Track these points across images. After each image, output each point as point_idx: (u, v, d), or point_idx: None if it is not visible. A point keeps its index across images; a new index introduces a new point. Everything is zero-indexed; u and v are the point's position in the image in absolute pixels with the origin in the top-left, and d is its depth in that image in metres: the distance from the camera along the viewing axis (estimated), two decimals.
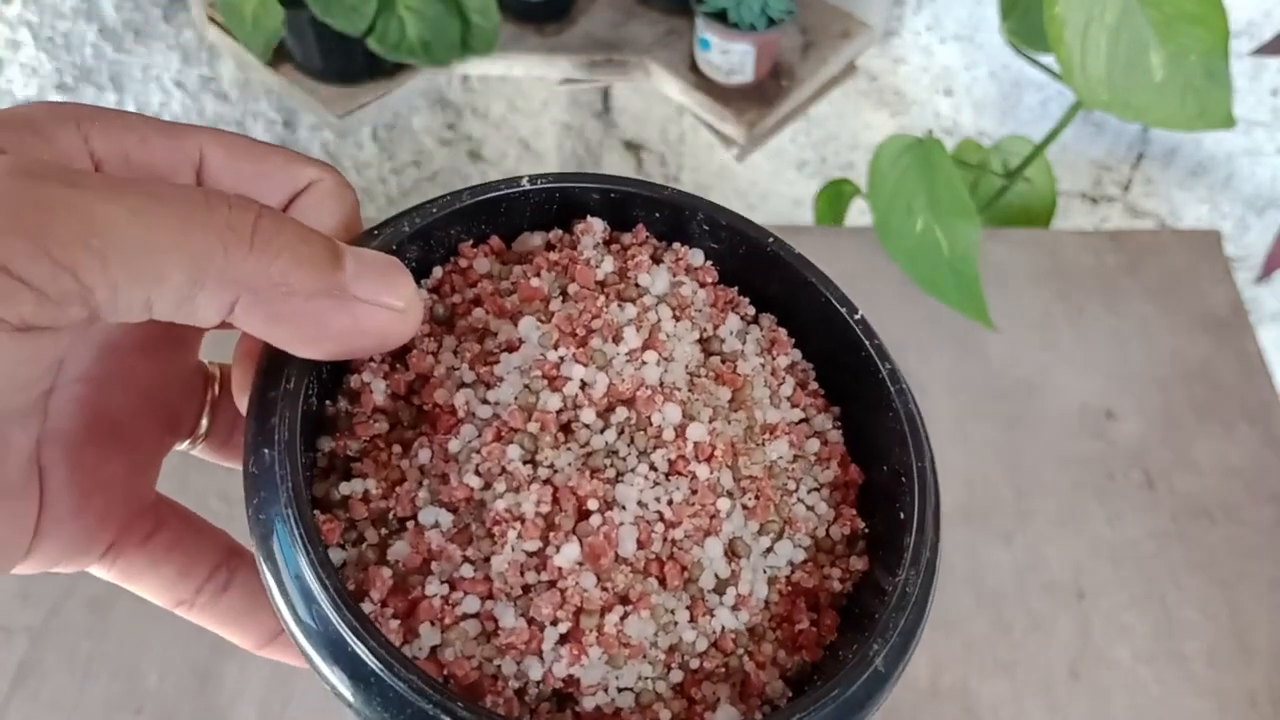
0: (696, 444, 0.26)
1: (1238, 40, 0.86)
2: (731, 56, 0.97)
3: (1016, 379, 0.71)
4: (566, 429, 0.26)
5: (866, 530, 0.28)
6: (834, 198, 0.92)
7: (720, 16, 0.95)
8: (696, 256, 0.30)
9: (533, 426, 0.25)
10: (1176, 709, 0.58)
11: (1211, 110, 0.63)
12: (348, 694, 0.23)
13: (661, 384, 0.26)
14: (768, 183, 1.20)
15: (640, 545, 0.25)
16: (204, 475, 0.35)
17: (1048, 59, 0.74)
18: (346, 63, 1.02)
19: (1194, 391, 0.70)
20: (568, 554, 0.24)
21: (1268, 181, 0.96)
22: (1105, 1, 0.62)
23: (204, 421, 0.30)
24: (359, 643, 0.22)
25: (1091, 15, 0.62)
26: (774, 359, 0.29)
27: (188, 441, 0.30)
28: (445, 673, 0.24)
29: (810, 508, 0.28)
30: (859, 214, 0.91)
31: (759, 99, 1.00)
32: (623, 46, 1.03)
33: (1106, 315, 0.74)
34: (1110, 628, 0.60)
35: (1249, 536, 0.64)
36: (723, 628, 0.25)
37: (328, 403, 0.27)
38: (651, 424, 0.26)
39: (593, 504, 0.25)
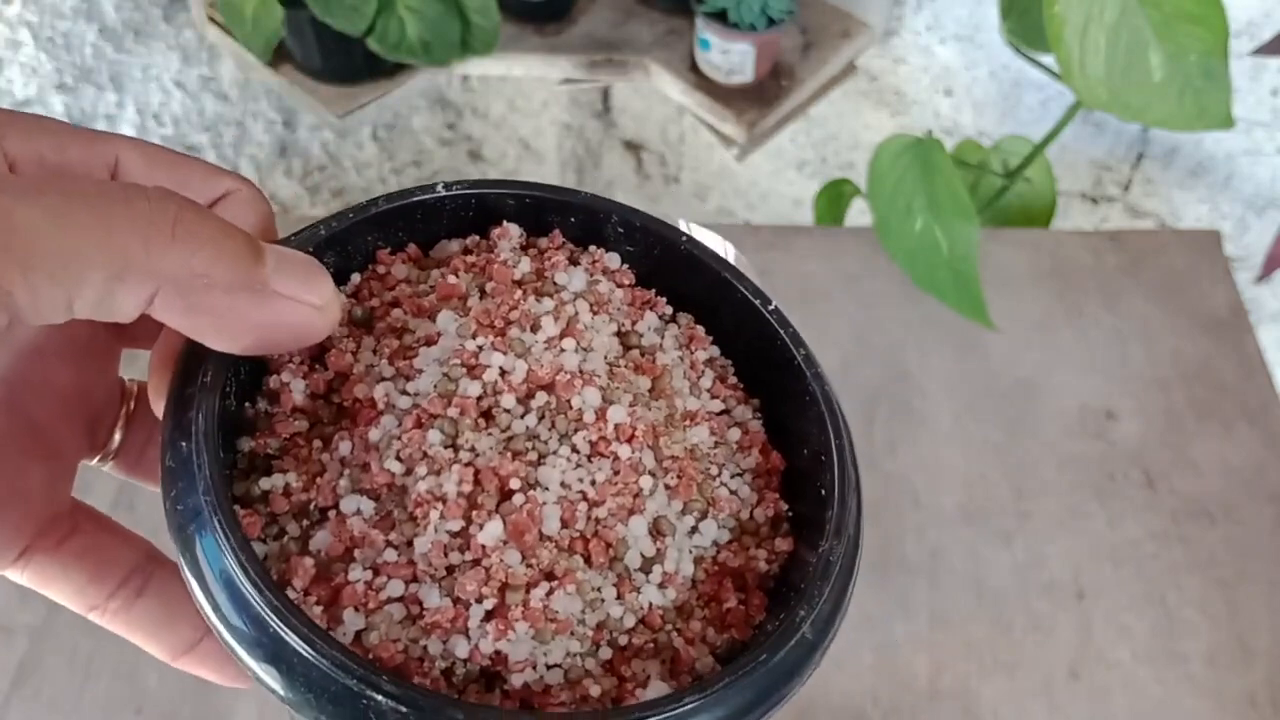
0: (617, 426, 0.26)
1: (1238, 40, 0.86)
2: (731, 56, 0.97)
3: (1016, 379, 0.71)
4: (487, 415, 0.26)
5: (790, 513, 0.29)
6: (834, 198, 0.92)
7: (720, 16, 0.95)
8: (613, 259, 0.31)
9: (452, 411, 0.26)
10: (1176, 709, 0.58)
11: (1211, 110, 0.63)
12: (270, 679, 0.23)
13: (581, 370, 0.27)
14: (768, 183, 1.20)
15: (564, 524, 0.25)
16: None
17: (1048, 59, 0.74)
18: (346, 63, 1.02)
19: (1194, 391, 0.70)
20: (491, 532, 0.24)
21: (1268, 181, 0.96)
22: (1104, 1, 0.62)
23: (117, 435, 0.30)
24: (280, 623, 0.22)
25: (1091, 15, 0.62)
26: (692, 353, 0.30)
27: (99, 457, 0.30)
28: (370, 657, 0.24)
29: (733, 491, 0.28)
30: (859, 214, 0.91)
31: (759, 99, 1.00)
32: (623, 46, 1.03)
33: (1106, 315, 0.74)
34: (1110, 628, 0.61)
35: (1249, 536, 0.64)
36: (650, 604, 0.26)
37: (246, 405, 0.27)
38: (572, 407, 0.26)
39: (515, 483, 0.25)
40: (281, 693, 0.23)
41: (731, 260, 0.44)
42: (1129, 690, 0.58)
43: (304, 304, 0.24)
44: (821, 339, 0.70)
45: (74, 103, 1.12)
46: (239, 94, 1.17)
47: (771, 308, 0.29)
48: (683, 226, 0.44)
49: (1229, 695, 0.58)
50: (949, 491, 0.65)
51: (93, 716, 0.56)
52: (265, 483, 0.26)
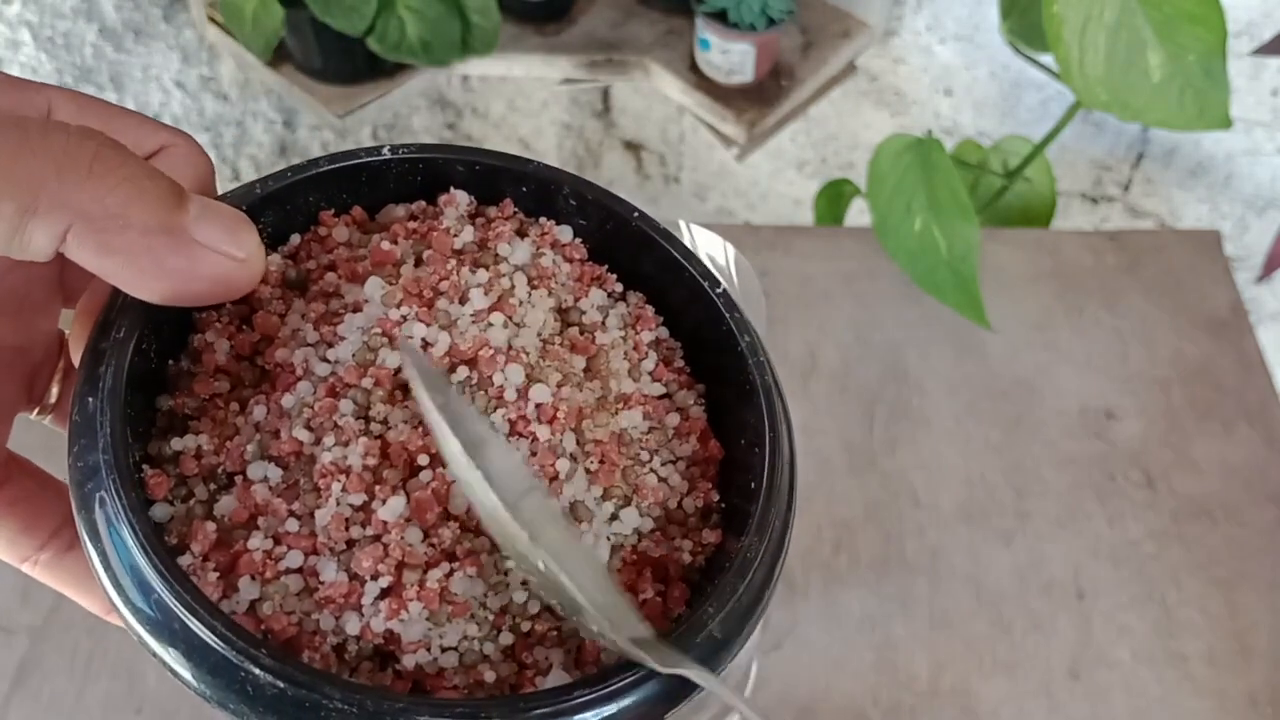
0: (539, 405, 0.26)
1: (1238, 40, 0.86)
2: (731, 56, 0.97)
3: (1016, 379, 0.71)
4: (405, 388, 0.25)
5: (723, 504, 0.28)
6: (834, 198, 0.92)
7: (720, 16, 0.95)
8: (565, 233, 0.30)
9: (367, 382, 0.25)
10: (1176, 709, 0.58)
11: (1210, 110, 0.63)
12: (153, 644, 0.22)
13: (510, 347, 0.26)
14: (768, 183, 1.20)
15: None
16: None
17: (1047, 59, 0.74)
18: (346, 63, 1.02)
19: (1194, 391, 0.70)
20: (393, 507, 0.24)
21: (1268, 181, 0.96)
22: (1104, 1, 0.62)
23: (54, 389, 0.30)
24: (164, 588, 0.22)
25: (1090, 15, 0.62)
26: (637, 334, 0.29)
27: (37, 410, 0.30)
28: (262, 627, 0.23)
29: (663, 479, 0.27)
30: (859, 214, 0.91)
31: (759, 99, 1.00)
32: (623, 46, 1.03)
33: (1106, 315, 0.74)
34: (1110, 628, 0.61)
35: (1249, 536, 0.64)
36: None
37: (170, 361, 0.26)
38: (493, 384, 0.26)
39: (423, 459, 0.24)
40: (163, 657, 0.22)
41: (731, 260, 0.44)
42: (1129, 690, 0.58)
43: (225, 255, 0.24)
44: (821, 339, 0.70)
45: None
46: (239, 94, 1.17)
47: (720, 290, 0.29)
48: (682, 227, 0.44)
49: (1229, 695, 0.58)
50: (949, 491, 0.65)
51: (93, 716, 0.56)
52: (177, 443, 0.25)
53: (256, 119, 1.19)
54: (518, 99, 1.21)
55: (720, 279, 0.29)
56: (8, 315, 0.28)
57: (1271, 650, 0.60)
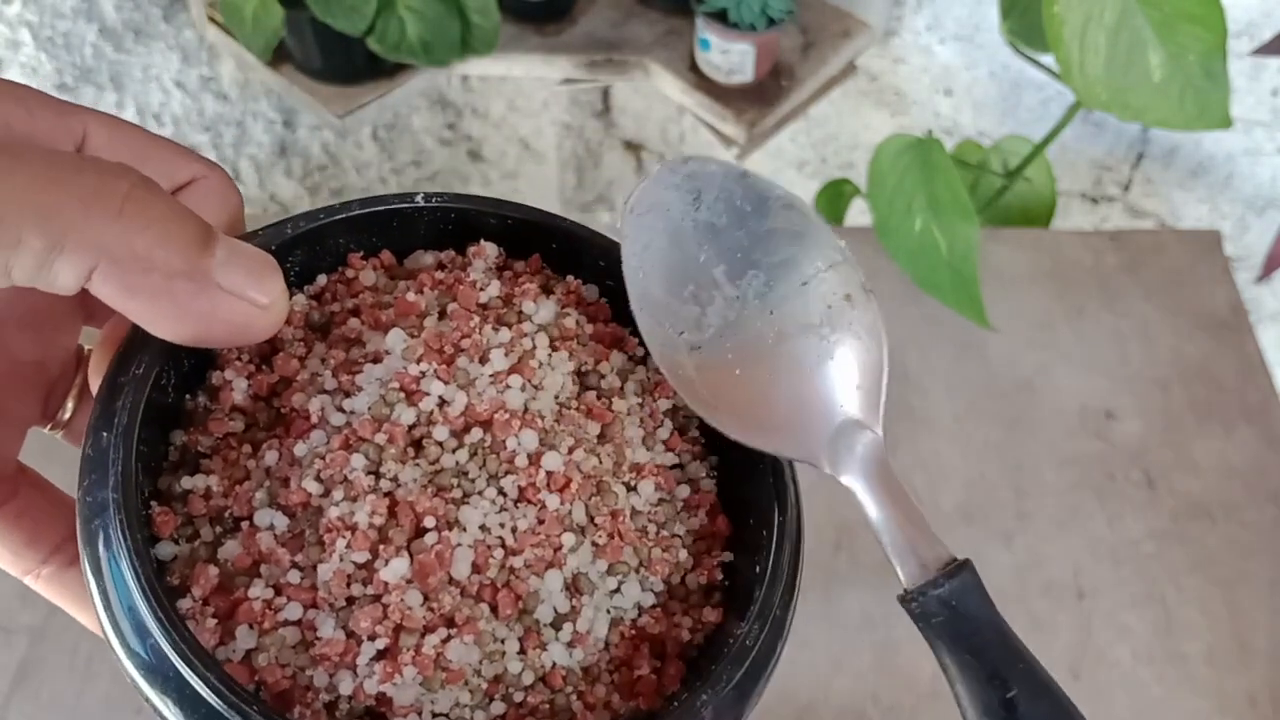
0: (550, 473, 0.25)
1: (1238, 40, 0.86)
2: (731, 56, 0.97)
3: (1016, 379, 0.71)
4: (418, 445, 0.25)
5: (727, 583, 0.27)
6: (834, 198, 0.92)
7: (720, 16, 0.95)
8: (591, 291, 0.29)
9: (380, 438, 0.25)
10: (1176, 709, 0.58)
11: (1210, 110, 0.63)
12: (145, 685, 0.22)
13: (527, 410, 0.26)
14: None
15: (476, 569, 0.24)
16: None
17: (1047, 59, 0.74)
18: (346, 63, 1.02)
19: (1194, 391, 0.70)
20: (395, 569, 0.24)
21: (1268, 181, 0.96)
22: (1104, 1, 0.62)
23: (69, 404, 0.30)
24: (160, 632, 0.22)
25: (1090, 15, 0.62)
26: (655, 401, 0.28)
27: (50, 425, 0.30)
28: (257, 679, 0.23)
29: (669, 552, 0.27)
30: (859, 214, 0.91)
31: (759, 99, 1.00)
32: (623, 46, 1.03)
33: (1106, 315, 0.74)
34: (1110, 628, 0.61)
35: (1249, 536, 0.64)
36: (554, 664, 0.25)
37: (188, 397, 0.26)
38: (506, 448, 0.25)
39: (430, 521, 0.24)
40: (154, 704, 0.22)
41: None
42: (1129, 690, 0.58)
43: (248, 301, 0.24)
44: None
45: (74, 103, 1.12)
46: (239, 94, 1.17)
47: None
48: None
49: (1229, 695, 0.58)
50: (949, 491, 0.65)
51: (93, 716, 0.56)
52: (187, 482, 0.25)
53: (256, 119, 1.19)
54: (518, 99, 1.21)
55: None
56: (29, 331, 0.28)
57: (1271, 650, 0.60)
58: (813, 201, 0.95)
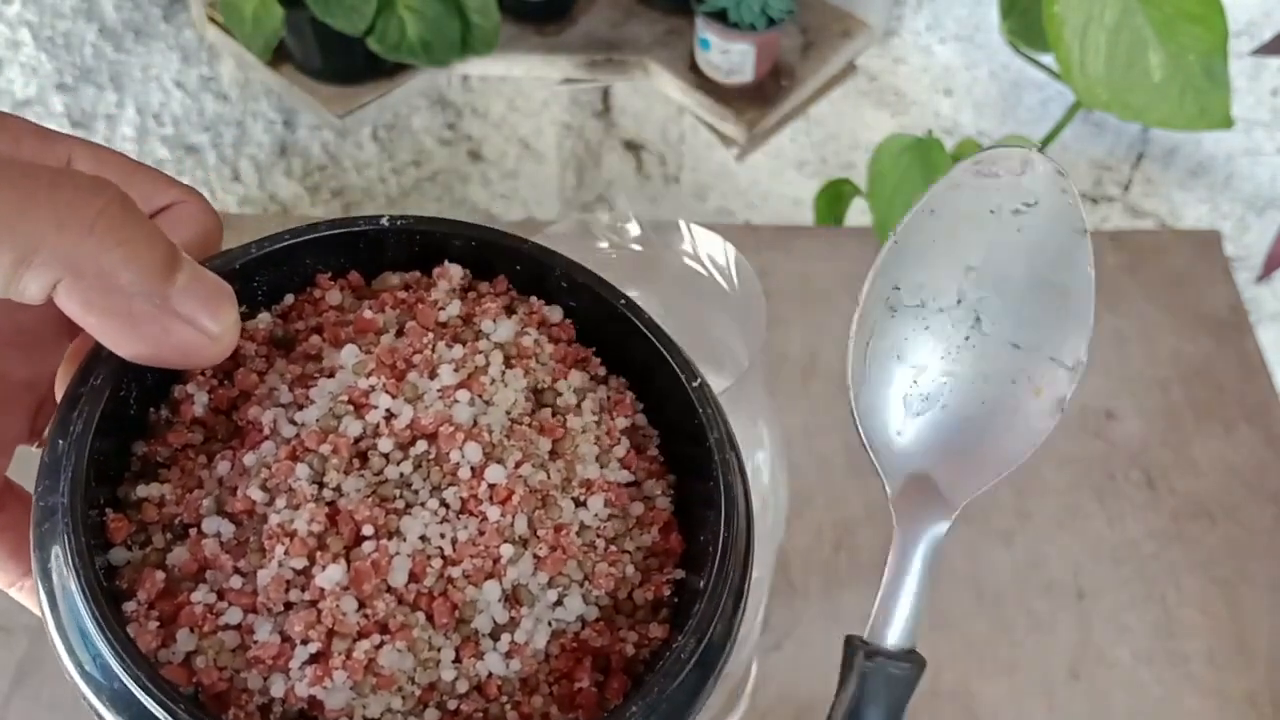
0: (492, 486, 0.26)
1: (1238, 40, 0.86)
2: (731, 56, 0.97)
3: None
4: (364, 456, 0.26)
5: (675, 599, 0.28)
6: (834, 198, 0.92)
7: (720, 16, 0.95)
8: (554, 312, 0.30)
9: (325, 448, 0.25)
10: (1176, 709, 0.58)
11: (1210, 110, 0.63)
12: (82, 684, 0.23)
13: (475, 424, 0.26)
14: (768, 183, 1.20)
15: (414, 578, 0.25)
16: None
17: (1048, 59, 0.74)
18: (346, 63, 1.02)
19: (1194, 391, 0.70)
20: (331, 575, 0.24)
21: (1268, 181, 0.96)
22: (1104, 1, 0.62)
23: None
24: (98, 633, 0.22)
25: (1091, 15, 0.62)
26: (613, 419, 0.29)
27: (38, 443, 0.30)
28: (195, 680, 0.24)
29: (615, 567, 0.27)
30: (859, 214, 0.91)
31: (759, 99, 1.00)
32: (623, 46, 1.03)
33: (1106, 315, 0.74)
34: (1110, 628, 0.61)
35: (1249, 536, 0.64)
36: (489, 673, 0.25)
37: (151, 410, 0.27)
38: (449, 460, 0.26)
39: (369, 530, 0.25)
40: (90, 700, 0.23)
41: (731, 261, 0.44)
42: (1129, 690, 0.58)
43: (198, 328, 0.24)
44: (821, 339, 0.70)
45: (74, 103, 1.12)
46: (239, 94, 1.17)
47: (696, 384, 0.28)
48: (682, 227, 0.44)
49: (1229, 695, 0.58)
50: None
51: (93, 716, 0.56)
52: (142, 490, 0.26)
53: (256, 119, 1.19)
54: (518, 99, 1.21)
55: (697, 371, 0.29)
56: (18, 350, 0.28)
57: (1271, 650, 0.60)
58: (813, 202, 0.95)
